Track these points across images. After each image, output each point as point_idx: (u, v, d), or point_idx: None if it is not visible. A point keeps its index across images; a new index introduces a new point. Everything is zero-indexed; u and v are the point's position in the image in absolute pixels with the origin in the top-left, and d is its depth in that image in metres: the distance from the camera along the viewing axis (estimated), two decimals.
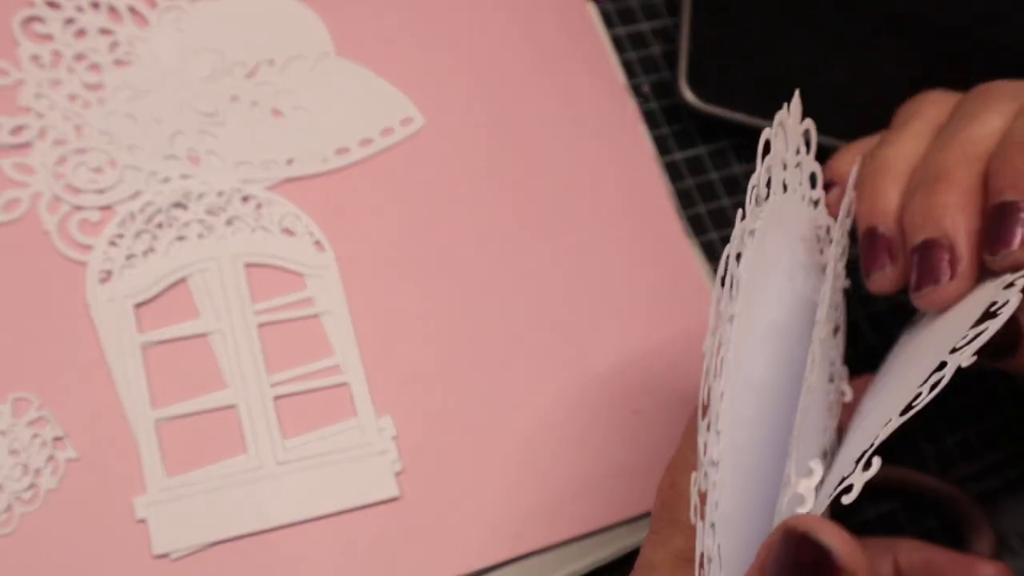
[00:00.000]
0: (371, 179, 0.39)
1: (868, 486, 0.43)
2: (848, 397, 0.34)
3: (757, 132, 0.46)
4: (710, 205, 0.46)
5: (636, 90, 0.46)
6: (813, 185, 0.32)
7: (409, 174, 0.39)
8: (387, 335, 0.37)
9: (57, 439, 0.32)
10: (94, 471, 0.32)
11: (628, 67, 0.47)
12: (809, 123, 0.30)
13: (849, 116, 0.47)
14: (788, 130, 0.28)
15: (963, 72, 0.50)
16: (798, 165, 0.30)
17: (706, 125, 0.47)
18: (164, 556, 0.32)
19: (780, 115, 0.28)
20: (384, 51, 0.41)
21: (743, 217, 0.26)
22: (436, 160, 0.40)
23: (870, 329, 0.47)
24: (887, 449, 0.44)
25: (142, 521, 0.32)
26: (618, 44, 0.47)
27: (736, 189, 0.46)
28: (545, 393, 0.37)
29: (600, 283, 0.40)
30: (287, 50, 0.39)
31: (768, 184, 0.28)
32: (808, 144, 0.31)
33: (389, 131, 0.40)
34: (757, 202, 0.27)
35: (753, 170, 0.47)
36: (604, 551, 0.36)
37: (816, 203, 0.32)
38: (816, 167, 0.31)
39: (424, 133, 0.40)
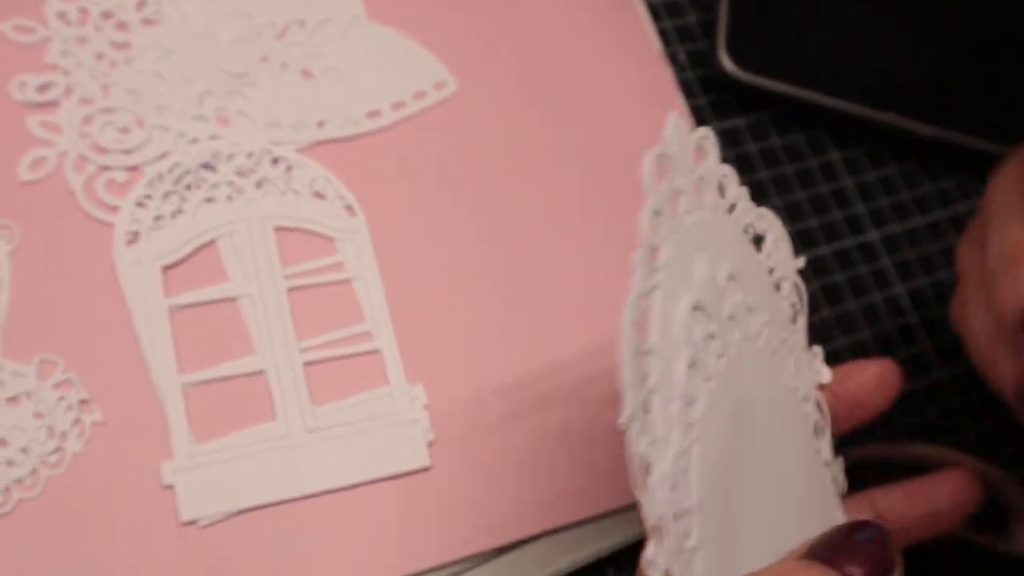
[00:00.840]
0: (403, 143, 0.38)
1: (907, 468, 0.42)
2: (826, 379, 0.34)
3: (798, 103, 0.45)
4: (748, 177, 0.45)
5: (672, 59, 0.45)
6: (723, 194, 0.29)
7: (442, 138, 0.38)
8: (419, 301, 0.36)
9: (83, 402, 0.31)
10: (121, 435, 0.31)
11: (663, 35, 0.45)
12: (703, 133, 0.27)
13: (895, 85, 0.46)
14: (677, 159, 0.26)
15: (1016, 43, 0.49)
16: (701, 178, 0.27)
17: (744, 95, 0.46)
18: (192, 523, 0.31)
19: (663, 147, 0.25)
20: (416, 14, 0.40)
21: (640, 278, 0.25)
22: (469, 124, 0.39)
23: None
24: (927, 429, 0.43)
25: (169, 487, 0.31)
26: (654, 12, 0.46)
27: (775, 162, 0.45)
28: (582, 364, 0.36)
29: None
30: (317, 12, 0.39)
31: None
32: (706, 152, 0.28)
33: (421, 95, 0.39)
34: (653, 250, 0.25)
35: (793, 143, 0.46)
36: (638, 527, 0.35)
37: (732, 208, 0.29)
38: (724, 171, 0.28)
39: (457, 97, 0.39)
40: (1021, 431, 0.45)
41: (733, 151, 0.44)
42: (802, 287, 0.31)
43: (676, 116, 0.26)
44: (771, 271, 0.30)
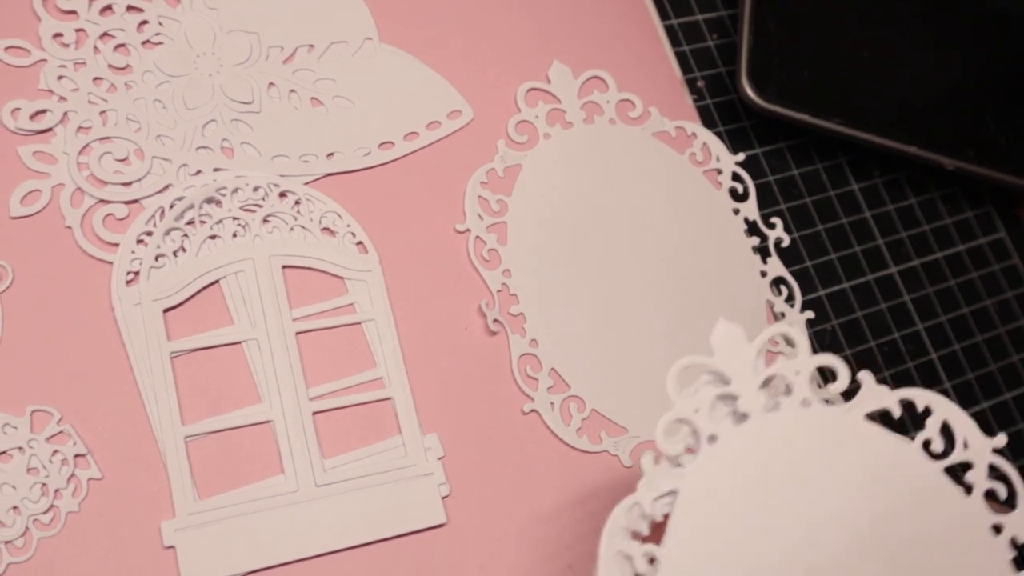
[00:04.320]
0: (417, 175, 0.36)
1: None
2: None
3: (817, 133, 0.43)
4: (768, 209, 0.43)
5: (690, 85, 0.44)
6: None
7: (458, 170, 0.36)
8: (434, 345, 0.34)
9: (79, 456, 0.29)
10: (119, 492, 0.30)
11: (681, 60, 0.44)
12: (779, 330, 0.27)
13: (917, 117, 0.44)
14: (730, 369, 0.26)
15: None
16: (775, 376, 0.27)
17: (762, 124, 0.44)
18: None
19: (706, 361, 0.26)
20: (432, 39, 0.38)
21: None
22: (486, 156, 0.37)
23: None
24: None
25: (170, 548, 0.29)
26: (671, 35, 0.44)
27: (795, 193, 0.44)
28: None
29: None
30: (328, 34, 0.37)
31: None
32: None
33: (436, 124, 0.37)
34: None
35: (812, 171, 0.44)
36: None
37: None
38: (823, 360, 0.27)
39: (473, 127, 0.37)
40: None
41: (754, 181, 0.42)
42: (1000, 464, 0.27)
43: (724, 322, 0.26)
44: (937, 457, 0.27)
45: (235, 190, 0.33)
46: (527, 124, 0.38)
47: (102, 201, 0.32)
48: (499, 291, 0.35)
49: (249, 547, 0.30)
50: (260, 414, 0.31)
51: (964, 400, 0.43)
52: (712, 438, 0.25)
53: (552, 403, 0.34)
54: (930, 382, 0.43)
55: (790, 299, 0.39)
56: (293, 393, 0.32)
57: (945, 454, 0.27)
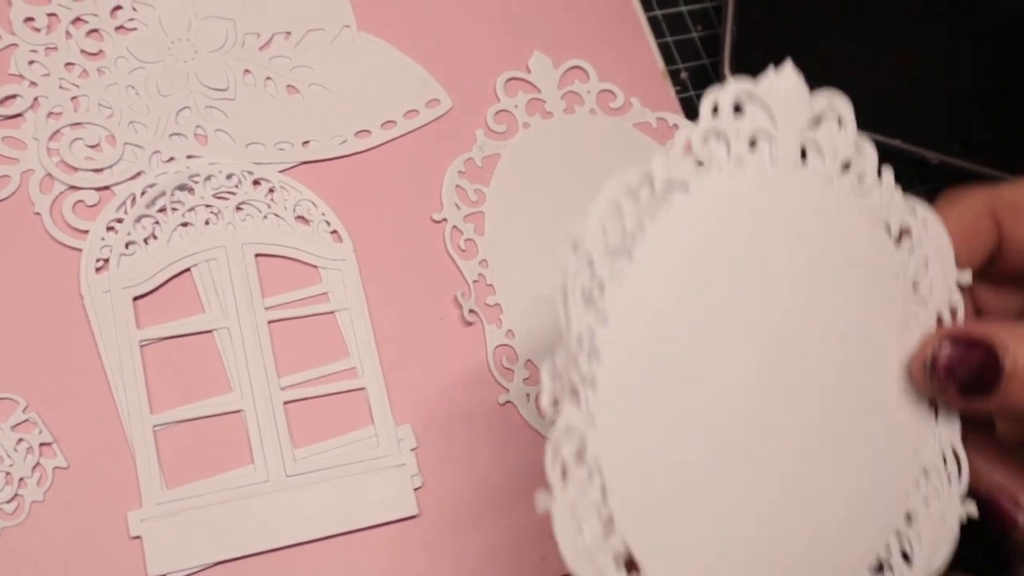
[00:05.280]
0: (393, 164, 0.35)
1: None
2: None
3: None
4: None
5: (673, 77, 0.43)
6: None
7: (435, 160, 0.36)
8: (408, 335, 0.33)
9: (44, 445, 0.29)
10: (85, 481, 0.29)
11: (664, 51, 0.43)
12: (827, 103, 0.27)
13: (901, 111, 0.44)
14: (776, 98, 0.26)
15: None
16: (813, 149, 0.27)
17: None
18: None
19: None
20: (410, 27, 0.37)
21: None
22: (464, 145, 0.37)
23: None
24: None
25: (137, 538, 0.29)
26: (655, 27, 0.44)
27: None
28: None
29: None
30: (304, 22, 0.36)
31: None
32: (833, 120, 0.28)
33: (413, 113, 0.36)
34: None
35: None
36: None
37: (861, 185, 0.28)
38: (853, 151, 0.28)
39: (451, 116, 0.37)
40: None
41: None
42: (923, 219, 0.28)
43: (791, 69, 0.26)
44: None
45: (208, 177, 0.33)
46: (506, 113, 0.38)
47: (72, 187, 0.32)
48: (475, 281, 0.35)
49: (217, 538, 0.29)
50: (230, 403, 0.31)
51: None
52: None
53: (528, 394, 0.34)
54: None
55: None
56: (264, 382, 0.31)
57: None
